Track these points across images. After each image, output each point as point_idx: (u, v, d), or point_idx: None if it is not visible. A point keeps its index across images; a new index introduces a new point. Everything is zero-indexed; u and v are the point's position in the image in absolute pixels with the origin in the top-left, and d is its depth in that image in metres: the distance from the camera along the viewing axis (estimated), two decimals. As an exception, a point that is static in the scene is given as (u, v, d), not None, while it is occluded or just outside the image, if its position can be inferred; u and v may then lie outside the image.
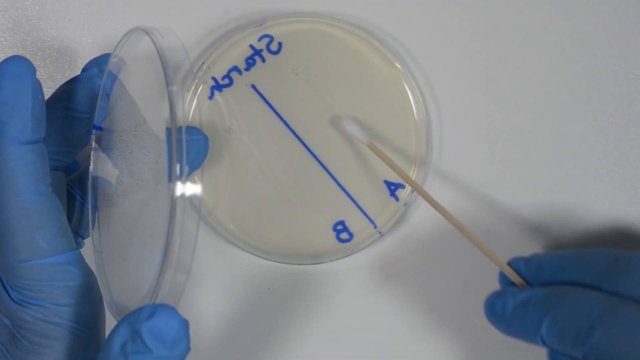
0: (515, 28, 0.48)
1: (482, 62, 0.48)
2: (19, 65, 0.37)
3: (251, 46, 0.47)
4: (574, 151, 0.48)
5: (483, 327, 0.47)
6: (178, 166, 0.34)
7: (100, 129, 0.42)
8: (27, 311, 0.37)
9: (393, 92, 0.47)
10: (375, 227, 0.47)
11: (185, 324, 0.35)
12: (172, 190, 0.34)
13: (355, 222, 0.47)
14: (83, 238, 0.44)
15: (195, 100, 0.46)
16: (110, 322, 0.38)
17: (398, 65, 0.47)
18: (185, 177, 0.34)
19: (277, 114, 0.47)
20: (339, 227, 0.47)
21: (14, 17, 0.48)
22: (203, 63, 0.46)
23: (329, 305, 0.47)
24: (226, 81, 0.47)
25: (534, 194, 0.48)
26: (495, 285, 0.47)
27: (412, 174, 0.47)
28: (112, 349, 0.35)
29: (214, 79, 0.47)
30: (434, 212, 0.47)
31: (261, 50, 0.47)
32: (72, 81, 0.41)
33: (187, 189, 0.34)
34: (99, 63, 0.42)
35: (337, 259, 0.47)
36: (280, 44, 0.47)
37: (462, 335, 0.47)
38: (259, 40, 0.47)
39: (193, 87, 0.46)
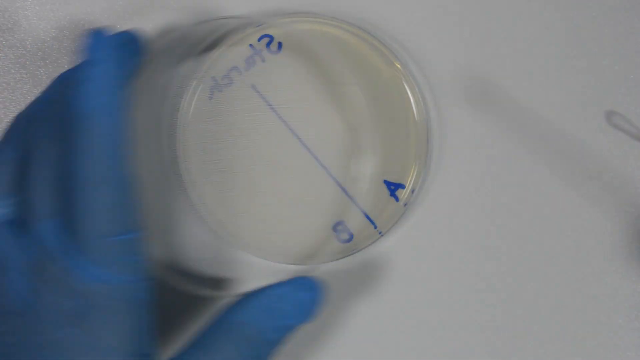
0: (515, 28, 0.48)
1: (483, 61, 0.48)
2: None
3: (251, 46, 0.47)
4: (574, 148, 0.48)
5: (483, 325, 0.47)
6: None
7: None
8: (99, 288, 0.37)
9: (393, 92, 0.47)
10: (375, 227, 0.47)
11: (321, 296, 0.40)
12: None
13: (355, 222, 0.47)
14: None
15: (195, 100, 0.46)
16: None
17: (398, 65, 0.47)
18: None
19: (277, 114, 0.47)
20: (339, 227, 0.47)
21: (14, 17, 0.48)
22: (203, 63, 0.46)
23: (329, 305, 0.47)
24: (226, 81, 0.47)
25: (535, 192, 0.48)
26: (497, 288, 0.47)
27: (412, 173, 0.47)
28: (257, 308, 0.39)
29: (213, 78, 0.47)
30: (434, 212, 0.47)
31: (261, 50, 0.47)
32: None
33: None
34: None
35: (337, 259, 0.47)
36: (280, 43, 0.47)
37: (462, 334, 0.47)
38: (259, 40, 0.47)
39: (192, 87, 0.46)
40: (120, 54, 0.39)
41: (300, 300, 0.40)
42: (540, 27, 0.48)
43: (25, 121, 0.41)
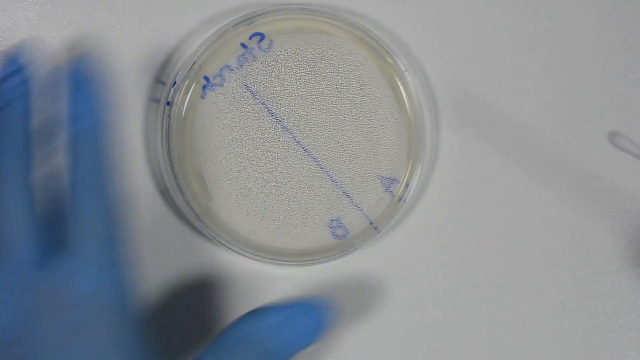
0: (514, 25, 0.48)
1: (481, 59, 0.48)
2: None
3: (242, 44, 0.47)
4: (575, 146, 0.47)
5: (482, 324, 0.47)
6: None
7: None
8: (93, 295, 0.38)
9: (386, 87, 0.47)
10: (371, 223, 0.47)
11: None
12: None
13: (351, 218, 0.47)
14: None
15: (187, 100, 0.47)
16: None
17: (390, 61, 0.46)
18: None
19: (269, 111, 0.47)
20: (335, 223, 0.47)
21: (14, 17, 0.48)
22: (194, 62, 0.46)
23: (326, 303, 0.47)
24: (218, 80, 0.47)
25: (533, 191, 0.47)
26: (492, 284, 0.47)
27: (407, 168, 0.46)
28: (263, 329, 0.39)
29: (206, 78, 0.47)
30: (429, 207, 0.47)
31: (252, 48, 0.47)
32: None
33: None
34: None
35: (333, 256, 0.46)
36: (271, 41, 0.47)
37: (461, 332, 0.47)
38: (250, 38, 0.47)
39: (185, 87, 0.46)
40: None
41: (303, 326, 0.40)
42: (541, 24, 0.48)
43: None
